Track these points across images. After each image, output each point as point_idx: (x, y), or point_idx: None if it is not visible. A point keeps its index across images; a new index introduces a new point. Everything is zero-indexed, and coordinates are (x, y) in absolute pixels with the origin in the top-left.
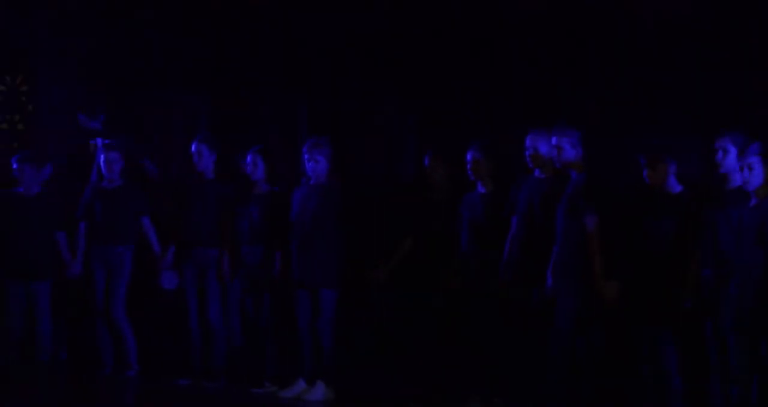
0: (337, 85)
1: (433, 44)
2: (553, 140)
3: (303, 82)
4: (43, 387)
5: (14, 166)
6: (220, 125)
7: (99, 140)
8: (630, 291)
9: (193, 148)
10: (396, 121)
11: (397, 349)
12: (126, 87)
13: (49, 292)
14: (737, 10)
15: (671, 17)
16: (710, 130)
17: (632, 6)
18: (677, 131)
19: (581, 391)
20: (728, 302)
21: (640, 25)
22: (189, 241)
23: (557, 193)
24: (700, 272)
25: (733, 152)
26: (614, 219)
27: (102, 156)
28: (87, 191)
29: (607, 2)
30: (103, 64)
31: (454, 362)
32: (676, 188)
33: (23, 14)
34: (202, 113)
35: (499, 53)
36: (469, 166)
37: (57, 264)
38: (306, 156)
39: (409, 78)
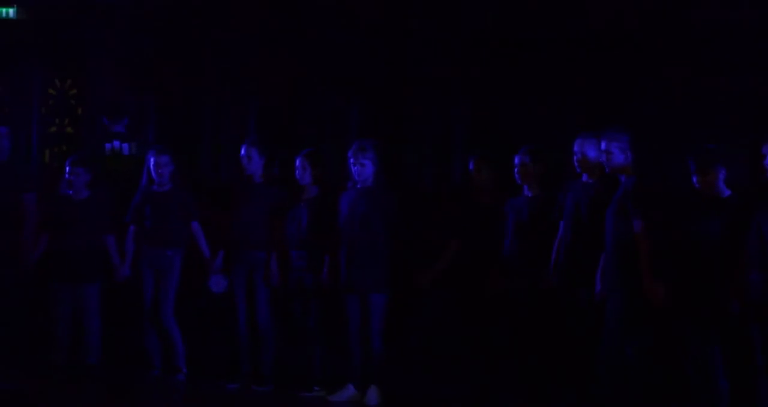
0: (386, 89)
1: (480, 49)
2: (602, 145)
3: (353, 87)
4: (92, 389)
5: (67, 168)
6: (269, 128)
7: (117, 143)
8: (678, 294)
9: (242, 151)
10: (443, 125)
11: (446, 352)
12: (174, 90)
13: (97, 295)
14: None
15: (721, 21)
16: (759, 134)
17: (682, 10)
18: (726, 135)
19: (629, 393)
20: None
21: (690, 30)
22: (238, 244)
23: (604, 197)
24: (747, 275)
25: None
26: (663, 223)
27: (152, 160)
28: (137, 194)
29: (657, 6)
30: (152, 68)
31: (502, 365)
32: (725, 192)
33: (73, 19)
34: (251, 117)
35: (546, 57)
36: (516, 170)
37: (106, 267)
38: (352, 160)
39: (456, 82)
